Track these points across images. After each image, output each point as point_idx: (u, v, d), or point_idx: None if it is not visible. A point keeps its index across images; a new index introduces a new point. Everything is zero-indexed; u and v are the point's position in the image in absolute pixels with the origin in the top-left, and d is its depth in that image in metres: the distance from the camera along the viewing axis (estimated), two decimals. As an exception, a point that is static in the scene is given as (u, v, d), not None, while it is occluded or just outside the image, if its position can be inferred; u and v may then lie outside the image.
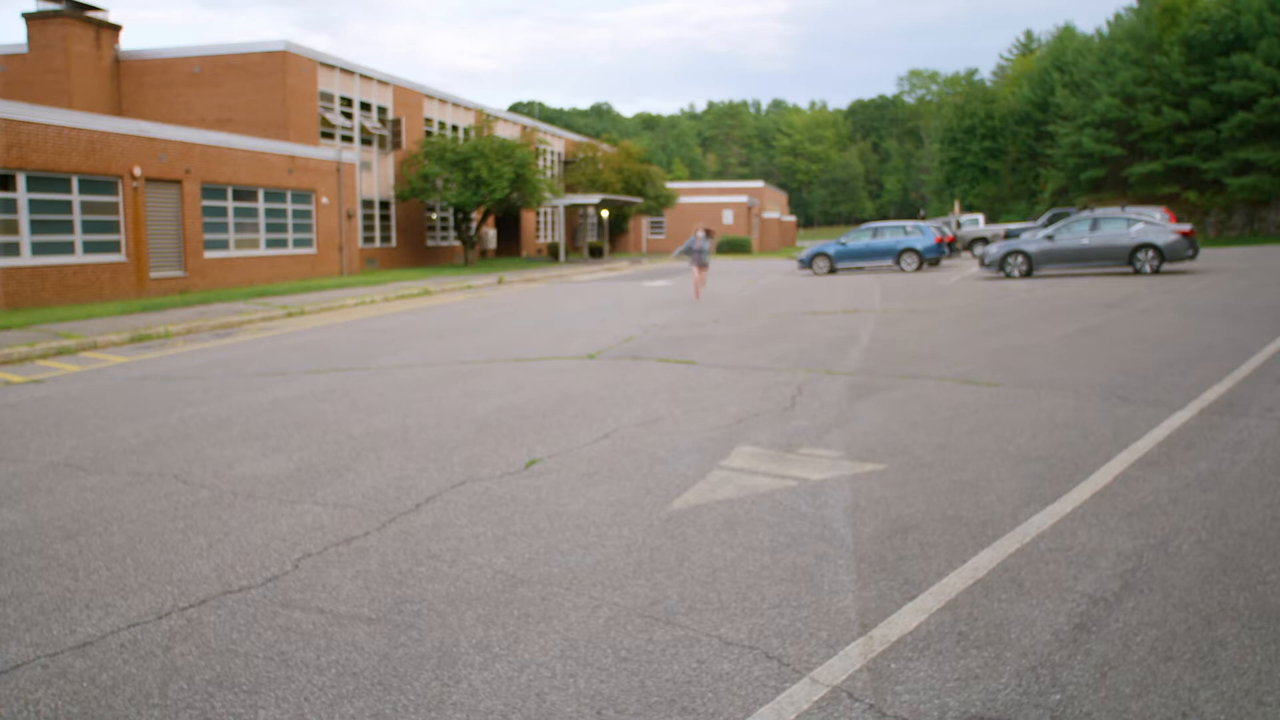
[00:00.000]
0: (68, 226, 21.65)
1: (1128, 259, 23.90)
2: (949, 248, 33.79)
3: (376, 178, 37.03)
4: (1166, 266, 24.32)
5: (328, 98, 34.49)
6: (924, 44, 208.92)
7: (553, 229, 54.56)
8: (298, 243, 30.33)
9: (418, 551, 5.08)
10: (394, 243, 38.49)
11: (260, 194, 28.30)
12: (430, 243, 41.76)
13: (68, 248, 21.65)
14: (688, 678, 3.62)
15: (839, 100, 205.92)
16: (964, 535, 5.07)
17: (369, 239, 36.48)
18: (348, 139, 35.52)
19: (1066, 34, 74.56)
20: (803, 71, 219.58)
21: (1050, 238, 25.02)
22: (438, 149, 37.25)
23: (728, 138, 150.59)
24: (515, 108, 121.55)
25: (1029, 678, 3.54)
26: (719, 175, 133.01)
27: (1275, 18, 49.13)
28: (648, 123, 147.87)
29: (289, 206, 29.74)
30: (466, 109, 44.81)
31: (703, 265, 21.53)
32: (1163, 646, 3.76)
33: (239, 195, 27.40)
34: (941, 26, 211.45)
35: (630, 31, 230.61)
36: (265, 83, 32.08)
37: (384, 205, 37.80)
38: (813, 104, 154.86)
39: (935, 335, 13.45)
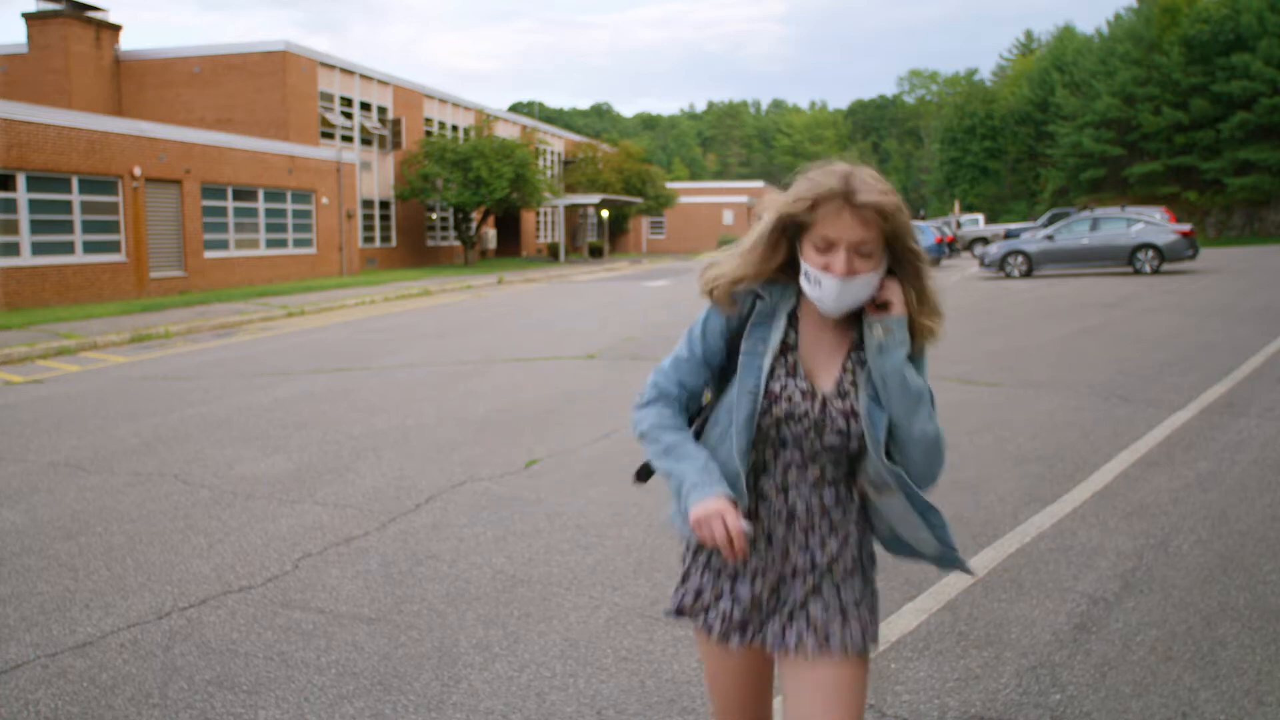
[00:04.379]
0: (68, 226, 21.65)
1: (1128, 259, 23.90)
2: (949, 248, 33.79)
3: (376, 178, 37.01)
4: (1166, 266, 24.32)
5: (328, 98, 34.48)
6: (924, 44, 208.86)
7: (553, 229, 54.53)
8: (298, 243, 30.32)
9: (418, 551, 5.07)
10: (394, 243, 38.48)
11: (260, 194, 28.30)
12: (430, 243, 41.75)
13: (68, 248, 21.65)
14: (688, 678, 3.62)
15: (839, 100, 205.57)
16: (964, 535, 5.07)
17: (369, 239, 36.47)
18: (348, 139, 35.50)
19: (1066, 34, 74.49)
20: (802, 72, 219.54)
21: (1050, 238, 25.03)
22: (438, 149, 37.23)
23: (728, 138, 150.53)
24: (515, 108, 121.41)
25: (1029, 678, 3.54)
26: (719, 175, 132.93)
27: (1275, 18, 49.10)
28: (648, 123, 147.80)
29: (289, 206, 29.73)
30: (466, 109, 44.80)
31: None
32: (1163, 646, 3.76)
33: (239, 195, 27.40)
34: (941, 26, 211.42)
35: (630, 32, 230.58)
36: (265, 83, 32.07)
37: (384, 205, 37.79)
38: (813, 104, 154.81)
39: (935, 335, 13.44)
